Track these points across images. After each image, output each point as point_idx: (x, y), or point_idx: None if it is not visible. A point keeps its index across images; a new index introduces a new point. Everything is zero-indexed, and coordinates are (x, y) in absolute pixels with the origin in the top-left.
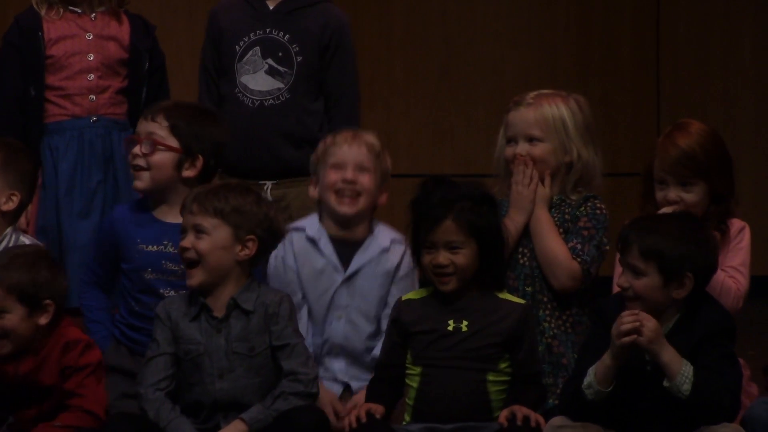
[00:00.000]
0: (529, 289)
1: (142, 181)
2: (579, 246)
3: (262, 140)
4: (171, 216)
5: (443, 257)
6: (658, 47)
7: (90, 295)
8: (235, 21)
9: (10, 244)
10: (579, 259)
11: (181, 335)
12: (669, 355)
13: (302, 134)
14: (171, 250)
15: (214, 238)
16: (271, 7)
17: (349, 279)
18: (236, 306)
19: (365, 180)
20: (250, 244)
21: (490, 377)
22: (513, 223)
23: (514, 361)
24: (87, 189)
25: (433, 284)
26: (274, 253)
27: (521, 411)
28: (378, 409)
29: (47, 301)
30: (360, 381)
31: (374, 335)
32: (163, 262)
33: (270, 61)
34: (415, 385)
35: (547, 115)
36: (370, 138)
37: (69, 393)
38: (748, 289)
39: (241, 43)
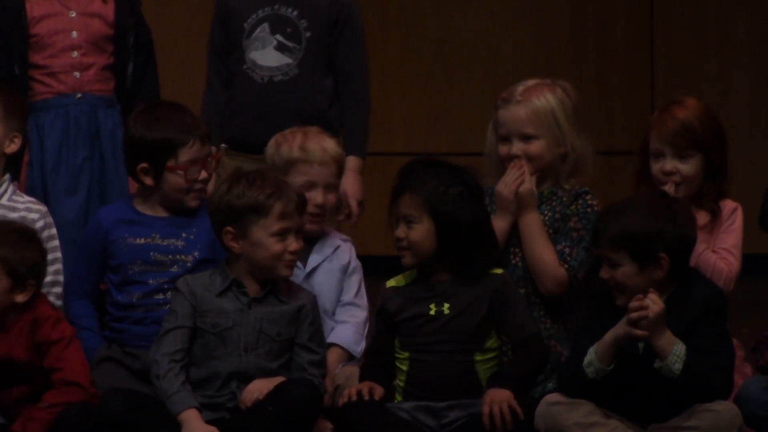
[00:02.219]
0: (522, 290)
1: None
2: (567, 250)
3: (271, 116)
4: (158, 210)
5: (400, 230)
6: (652, 26)
7: (78, 304)
8: None
9: (6, 196)
10: (566, 266)
11: (207, 309)
12: (665, 338)
13: (311, 111)
14: (159, 241)
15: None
16: None
17: (308, 276)
18: (272, 292)
19: (331, 198)
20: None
21: (477, 357)
22: (499, 222)
23: (504, 332)
24: (73, 166)
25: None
26: None
27: (495, 406)
28: (378, 391)
29: (30, 281)
30: None
31: (331, 330)
32: (152, 253)
33: (279, 37)
34: (404, 368)
35: (538, 110)
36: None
37: (49, 369)
38: (739, 271)
39: (250, 20)
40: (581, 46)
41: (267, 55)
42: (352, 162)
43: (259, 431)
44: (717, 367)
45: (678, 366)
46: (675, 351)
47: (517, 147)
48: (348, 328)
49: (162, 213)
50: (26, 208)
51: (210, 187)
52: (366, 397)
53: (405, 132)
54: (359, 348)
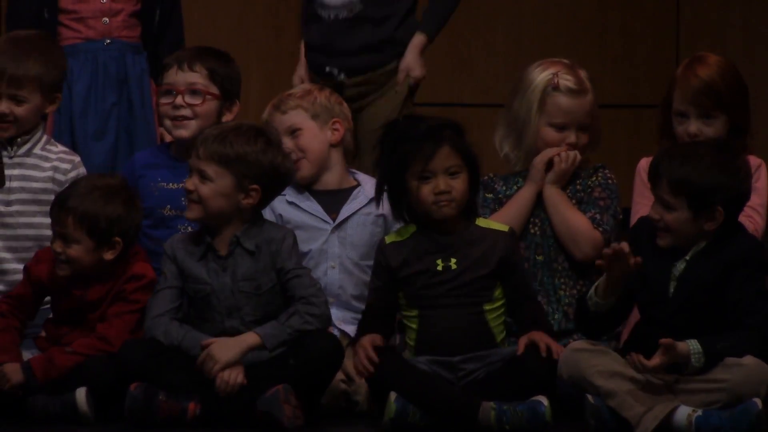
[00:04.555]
0: (540, 258)
1: (188, 129)
2: (598, 216)
3: (341, 52)
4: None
5: (444, 183)
6: None
7: None
8: None
9: (39, 145)
10: (600, 229)
11: (189, 275)
12: (677, 352)
13: (379, 37)
14: None
15: (216, 185)
16: None
17: (339, 228)
18: (239, 244)
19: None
20: (253, 193)
21: (487, 307)
22: (525, 192)
23: (510, 286)
24: (101, 111)
25: (426, 217)
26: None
27: (543, 340)
28: (377, 339)
29: (116, 239)
30: (355, 325)
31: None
32: (182, 199)
33: None
34: (414, 326)
35: (593, 101)
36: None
37: (102, 316)
38: (765, 229)
39: None
40: None
41: None
42: (417, 38)
43: (279, 383)
44: (752, 327)
45: (702, 360)
46: (692, 351)
47: (574, 136)
48: None
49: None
50: (59, 158)
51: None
52: (376, 359)
53: (429, 82)
54: None
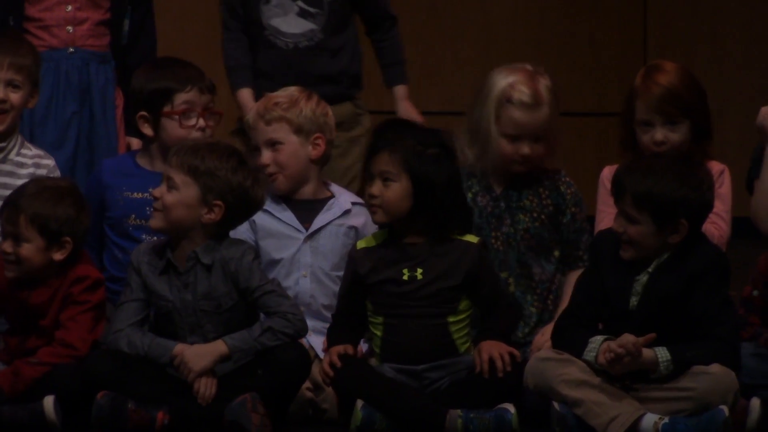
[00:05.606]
0: (504, 274)
1: None
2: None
3: (299, 81)
4: (157, 166)
5: (375, 188)
6: None
7: None
8: None
9: (15, 150)
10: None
11: (152, 290)
12: (645, 358)
13: (338, 67)
14: None
15: (181, 194)
16: None
17: (311, 238)
18: (197, 260)
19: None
20: (216, 209)
21: (451, 319)
22: None
23: (479, 298)
24: (61, 119)
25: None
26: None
27: (494, 351)
28: (348, 349)
29: (66, 238)
30: (324, 335)
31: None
32: (147, 208)
33: (300, 3)
34: (379, 333)
35: (551, 111)
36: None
37: (59, 324)
38: (730, 235)
39: None
40: (574, 5)
41: (290, 21)
42: (401, 90)
43: (247, 392)
44: (720, 338)
45: (670, 367)
46: (661, 359)
47: (528, 148)
48: None
49: (162, 168)
50: (34, 164)
51: None
52: (338, 364)
53: None
54: None
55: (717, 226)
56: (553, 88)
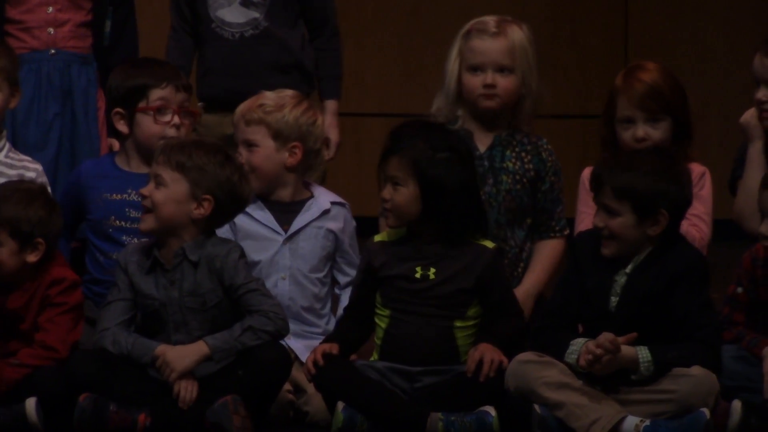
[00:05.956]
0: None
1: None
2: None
3: (249, 71)
4: (134, 166)
5: (386, 191)
6: None
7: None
8: None
9: (3, 152)
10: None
11: (138, 289)
12: (625, 357)
13: (287, 59)
14: (134, 198)
15: (170, 191)
16: None
17: (290, 239)
18: (184, 256)
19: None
20: (206, 203)
21: (458, 324)
22: None
23: (489, 304)
24: (43, 121)
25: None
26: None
27: (487, 354)
28: (333, 348)
29: (39, 240)
30: (304, 338)
31: (321, 296)
32: (127, 209)
33: None
34: (383, 326)
35: (515, 43)
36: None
37: (38, 327)
38: (710, 237)
39: None
40: (556, 7)
41: (234, 11)
42: (330, 105)
43: (228, 393)
44: (701, 340)
45: (651, 368)
46: (642, 359)
47: (492, 78)
48: None
49: (141, 169)
50: (23, 167)
51: None
52: (321, 363)
53: (379, 92)
54: None
55: (698, 228)
56: (529, 34)
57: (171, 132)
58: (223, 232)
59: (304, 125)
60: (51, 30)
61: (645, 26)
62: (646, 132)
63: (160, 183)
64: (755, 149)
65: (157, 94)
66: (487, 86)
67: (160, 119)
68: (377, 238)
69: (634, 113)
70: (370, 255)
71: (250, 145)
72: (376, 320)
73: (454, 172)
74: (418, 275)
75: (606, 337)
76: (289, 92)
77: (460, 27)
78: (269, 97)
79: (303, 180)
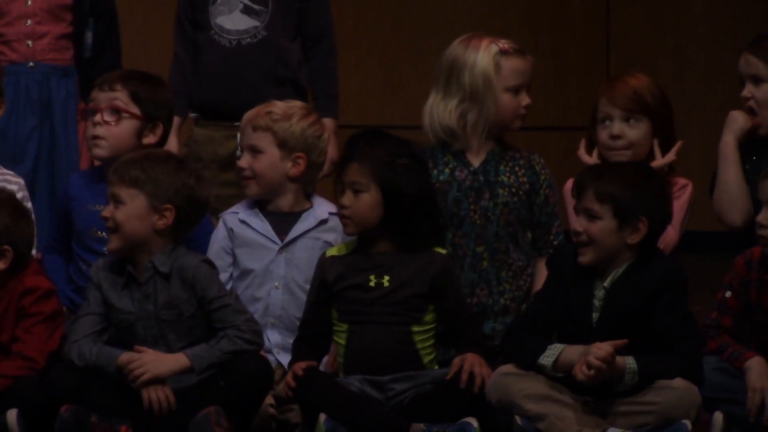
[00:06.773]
0: (479, 249)
1: (103, 149)
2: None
3: (243, 79)
4: None
5: (346, 198)
6: (608, 1)
7: (46, 258)
8: None
9: None
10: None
11: (112, 305)
12: (614, 368)
13: (283, 72)
14: None
15: (129, 208)
16: None
17: (286, 249)
18: (155, 269)
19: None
20: (167, 213)
21: (415, 329)
22: None
23: (443, 311)
24: (21, 134)
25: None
26: (213, 236)
27: (479, 368)
28: (311, 363)
29: (5, 247)
30: None
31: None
32: None
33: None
34: (342, 341)
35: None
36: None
37: (15, 338)
38: (677, 242)
39: None
40: (537, 20)
41: (234, 18)
42: (329, 124)
43: (210, 405)
44: (683, 353)
45: (635, 378)
46: (628, 368)
47: (528, 98)
48: None
49: None
50: (5, 180)
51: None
52: (289, 379)
53: (360, 104)
54: None
55: (666, 232)
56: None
57: (97, 130)
58: (221, 238)
59: (310, 137)
60: (29, 42)
61: (626, 39)
62: (622, 130)
63: (118, 201)
64: (724, 143)
65: (91, 97)
66: (526, 107)
67: (85, 119)
68: (329, 252)
69: (612, 111)
70: (324, 270)
71: (255, 151)
72: (335, 338)
73: (413, 178)
74: (372, 284)
75: (604, 348)
76: (297, 103)
77: (442, 40)
78: (278, 105)
79: (305, 191)
